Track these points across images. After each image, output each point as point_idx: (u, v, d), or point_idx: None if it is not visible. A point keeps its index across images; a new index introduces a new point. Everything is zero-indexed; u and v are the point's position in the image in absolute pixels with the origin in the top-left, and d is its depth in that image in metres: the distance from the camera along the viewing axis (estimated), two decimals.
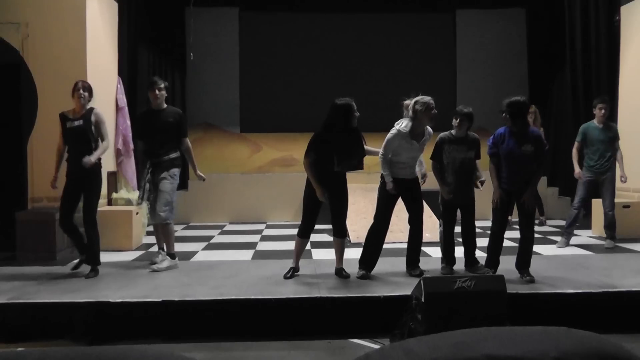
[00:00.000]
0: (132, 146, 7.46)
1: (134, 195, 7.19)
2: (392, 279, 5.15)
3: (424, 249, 5.56)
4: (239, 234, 8.52)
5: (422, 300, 3.78)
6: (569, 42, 8.57)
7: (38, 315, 4.36)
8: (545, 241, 7.26)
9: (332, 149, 5.03)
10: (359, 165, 5.21)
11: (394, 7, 10.37)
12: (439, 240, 5.52)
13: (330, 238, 5.44)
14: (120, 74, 7.63)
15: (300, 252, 5.33)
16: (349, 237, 7.34)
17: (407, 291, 4.20)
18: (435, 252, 6.17)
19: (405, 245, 5.48)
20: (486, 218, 5.98)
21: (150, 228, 6.52)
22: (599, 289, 4.69)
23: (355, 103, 5.12)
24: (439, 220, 7.22)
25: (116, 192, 7.39)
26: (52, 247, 5.76)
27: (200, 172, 5.99)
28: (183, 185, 8.07)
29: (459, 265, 5.43)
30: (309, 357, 4.04)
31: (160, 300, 4.47)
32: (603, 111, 6.66)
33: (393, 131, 5.18)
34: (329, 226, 5.38)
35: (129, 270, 5.64)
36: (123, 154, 7.48)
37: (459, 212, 5.42)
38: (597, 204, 7.28)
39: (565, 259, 6.07)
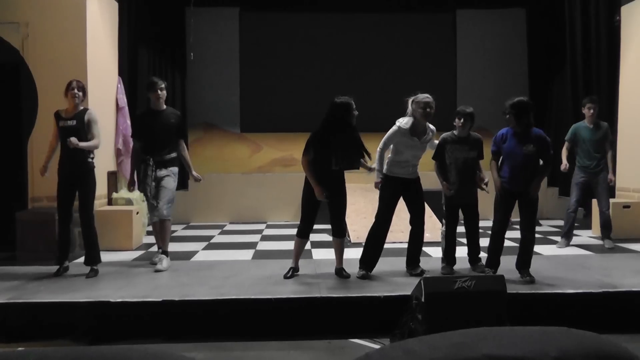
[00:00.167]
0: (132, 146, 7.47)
1: (134, 195, 7.19)
2: (392, 279, 5.15)
3: (424, 249, 5.56)
4: (239, 233, 8.52)
5: (423, 300, 3.78)
6: (569, 42, 8.57)
7: (38, 315, 4.36)
8: (545, 241, 7.26)
9: (331, 148, 5.03)
10: (356, 165, 5.21)
11: (394, 7, 10.36)
12: (439, 240, 5.52)
13: (330, 238, 5.44)
14: (120, 74, 7.63)
15: (299, 252, 5.33)
16: (349, 237, 7.34)
17: (407, 291, 4.20)
18: (435, 252, 6.17)
19: (405, 245, 5.49)
20: (487, 218, 5.98)
21: (150, 228, 6.52)
22: (599, 289, 4.69)
23: (356, 103, 5.12)
24: (439, 220, 7.23)
25: (116, 192, 7.39)
26: (52, 247, 5.75)
27: (196, 172, 6.06)
28: (183, 185, 8.08)
29: (460, 265, 5.44)
30: (309, 357, 4.04)
31: (160, 300, 4.47)
32: (592, 111, 6.71)
33: (394, 127, 5.22)
34: (329, 226, 5.38)
35: (129, 270, 5.65)
36: (123, 154, 7.47)
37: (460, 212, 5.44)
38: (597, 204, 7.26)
39: (565, 259, 6.07)
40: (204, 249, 7.10)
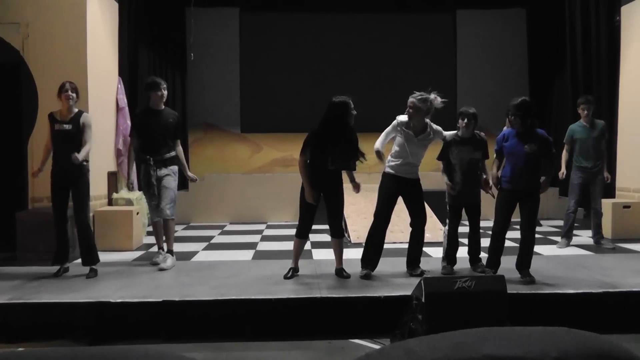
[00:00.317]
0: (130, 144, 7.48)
1: (134, 195, 7.19)
2: (393, 279, 5.15)
3: (424, 249, 5.56)
4: (240, 234, 8.52)
5: (423, 300, 3.78)
6: (569, 42, 8.57)
7: (38, 315, 4.36)
8: (545, 241, 7.27)
9: (328, 147, 5.03)
10: (353, 165, 5.21)
11: (394, 7, 10.36)
12: (440, 240, 5.52)
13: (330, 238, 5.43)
14: (120, 74, 7.64)
15: (299, 253, 5.32)
16: (349, 237, 7.34)
17: (408, 291, 4.20)
18: (436, 252, 6.17)
19: (405, 246, 5.48)
20: (488, 218, 5.98)
21: (150, 228, 6.52)
22: (599, 289, 4.69)
23: (355, 103, 5.13)
24: (440, 220, 7.22)
25: (116, 192, 7.39)
26: (52, 247, 5.74)
27: (191, 173, 6.14)
28: (183, 185, 8.08)
29: (460, 265, 5.44)
30: (309, 357, 4.04)
31: (160, 300, 4.47)
32: (586, 111, 6.75)
33: (394, 122, 5.27)
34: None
35: (129, 270, 5.65)
36: (123, 154, 7.47)
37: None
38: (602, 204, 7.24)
39: (565, 259, 6.07)
40: (204, 249, 7.10)
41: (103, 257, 5.62)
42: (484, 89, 10.26)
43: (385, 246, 5.38)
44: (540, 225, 8.68)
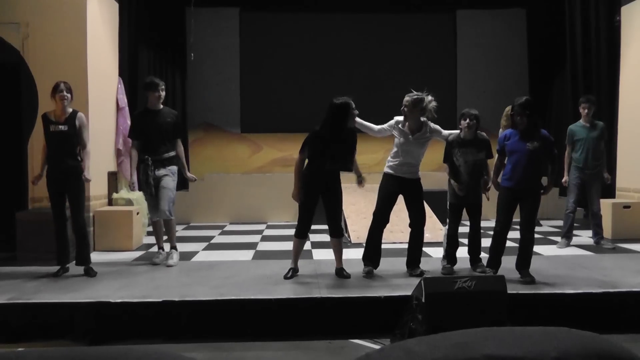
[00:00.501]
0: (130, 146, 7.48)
1: (135, 195, 7.19)
2: (393, 279, 5.15)
3: (424, 249, 5.56)
4: (240, 234, 8.52)
5: (423, 300, 3.78)
6: (569, 43, 8.57)
7: (38, 315, 4.36)
8: (545, 241, 7.27)
9: (327, 148, 5.03)
10: (350, 166, 5.21)
11: (394, 7, 10.37)
12: (440, 240, 5.52)
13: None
14: (120, 74, 7.63)
15: (298, 253, 5.32)
16: (349, 237, 7.35)
17: (408, 291, 4.20)
18: (436, 252, 6.17)
19: (405, 246, 5.49)
20: (488, 219, 5.99)
21: (150, 228, 6.52)
22: (599, 289, 4.69)
23: (355, 103, 5.13)
24: (439, 220, 7.23)
25: (116, 192, 7.38)
26: (52, 247, 5.74)
27: (190, 174, 6.17)
28: (183, 185, 8.09)
29: (461, 265, 5.44)
30: (309, 357, 4.04)
31: (160, 300, 4.47)
32: (586, 110, 6.75)
33: (391, 121, 5.32)
34: None
35: (129, 270, 5.65)
36: (123, 154, 7.47)
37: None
38: (602, 204, 7.24)
39: (565, 259, 6.07)
40: (204, 249, 7.10)
41: (103, 257, 5.62)
42: (484, 89, 10.26)
43: (385, 246, 5.39)
44: (540, 225, 8.68)
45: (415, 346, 0.95)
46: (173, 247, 5.98)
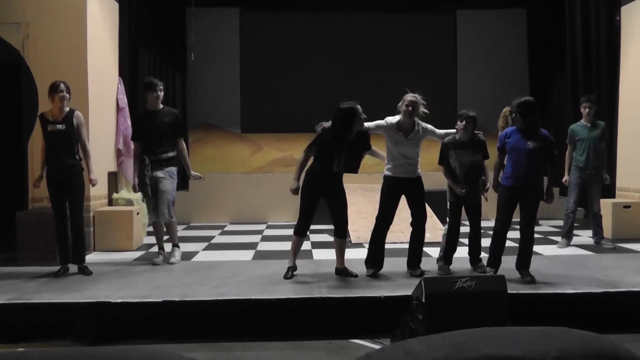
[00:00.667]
0: (132, 146, 7.48)
1: (135, 195, 7.19)
2: (393, 279, 5.15)
3: (424, 249, 5.56)
4: (240, 234, 8.52)
5: (423, 300, 3.78)
6: (569, 42, 8.57)
7: (38, 315, 4.36)
8: (545, 241, 7.27)
9: (334, 151, 5.03)
10: (355, 169, 5.21)
11: (394, 7, 10.37)
12: (441, 239, 5.52)
13: (330, 238, 5.43)
14: (120, 74, 7.63)
15: (297, 251, 5.32)
16: (349, 237, 7.35)
17: (408, 291, 4.20)
18: (436, 252, 6.16)
19: (406, 246, 5.49)
20: (488, 218, 5.98)
21: (151, 228, 6.52)
22: (599, 289, 4.69)
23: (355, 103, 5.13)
24: (439, 220, 7.22)
25: (117, 192, 7.39)
26: (52, 247, 5.75)
27: (194, 171, 6.13)
28: (184, 185, 8.09)
29: (461, 265, 5.44)
30: (309, 357, 4.04)
31: (160, 300, 4.47)
32: (587, 110, 6.75)
33: (382, 122, 5.31)
34: (330, 226, 5.38)
35: (129, 270, 5.64)
36: (124, 154, 7.48)
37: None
38: (602, 204, 7.25)
39: (565, 259, 6.07)
40: (205, 249, 7.10)
41: (103, 257, 5.62)
42: (484, 89, 10.25)
43: (386, 246, 5.38)
44: (540, 225, 8.68)
45: (415, 346, 0.95)
46: (175, 245, 6.00)
